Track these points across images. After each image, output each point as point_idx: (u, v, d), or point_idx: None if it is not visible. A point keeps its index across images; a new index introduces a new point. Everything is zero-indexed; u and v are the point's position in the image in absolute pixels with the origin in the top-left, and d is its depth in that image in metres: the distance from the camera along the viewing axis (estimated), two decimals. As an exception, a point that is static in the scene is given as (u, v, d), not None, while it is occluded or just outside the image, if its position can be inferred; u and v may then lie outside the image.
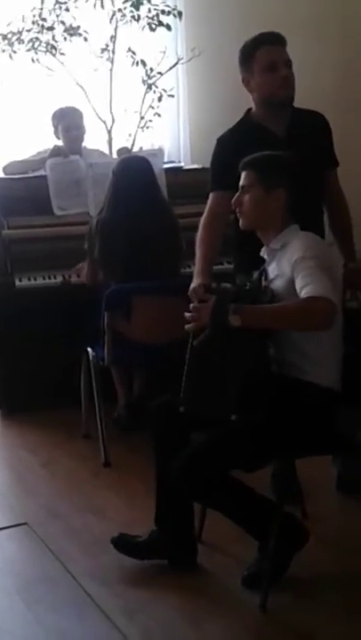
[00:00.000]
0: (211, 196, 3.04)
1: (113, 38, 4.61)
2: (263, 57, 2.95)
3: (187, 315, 2.54)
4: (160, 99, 4.76)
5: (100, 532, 3.02)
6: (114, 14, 4.57)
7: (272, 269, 2.61)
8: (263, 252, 2.66)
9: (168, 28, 4.67)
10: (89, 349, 3.70)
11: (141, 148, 4.75)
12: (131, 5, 4.51)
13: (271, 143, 2.97)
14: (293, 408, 2.47)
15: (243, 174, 2.64)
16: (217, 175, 3.01)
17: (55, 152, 4.31)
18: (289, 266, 2.50)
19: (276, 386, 2.51)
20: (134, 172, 3.68)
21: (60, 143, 4.52)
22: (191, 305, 2.53)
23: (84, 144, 4.52)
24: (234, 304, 2.40)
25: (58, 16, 4.52)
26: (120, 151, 4.45)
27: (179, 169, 4.56)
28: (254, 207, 2.60)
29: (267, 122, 3.00)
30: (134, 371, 3.98)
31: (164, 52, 4.76)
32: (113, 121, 4.70)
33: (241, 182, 2.64)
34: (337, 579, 2.69)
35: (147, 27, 4.62)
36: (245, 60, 2.99)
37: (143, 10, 4.57)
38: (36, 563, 2.89)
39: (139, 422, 3.80)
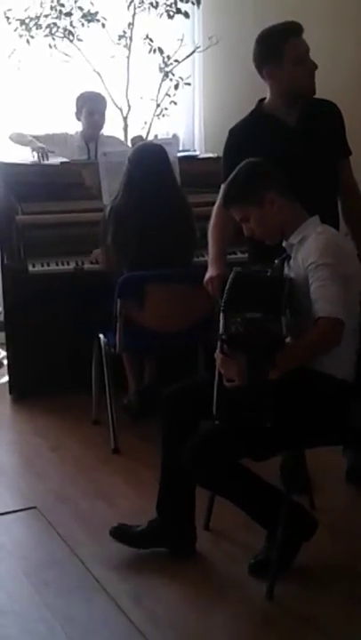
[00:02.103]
0: (223, 187, 3.03)
1: (131, 25, 4.61)
2: (294, 49, 2.91)
3: (220, 368, 2.44)
4: (176, 87, 4.76)
5: (108, 518, 3.03)
6: (132, 1, 4.56)
7: (292, 265, 2.60)
8: (285, 243, 2.65)
9: (186, 15, 4.67)
10: (101, 336, 3.71)
11: (156, 135, 4.75)
12: (149, -8, 4.51)
13: (283, 133, 2.97)
14: (308, 398, 2.47)
15: (231, 212, 2.64)
16: (229, 166, 2.99)
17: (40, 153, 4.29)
18: (303, 266, 2.50)
19: (291, 374, 2.50)
20: (149, 159, 3.67)
21: (79, 126, 4.52)
22: (220, 359, 2.43)
23: (101, 131, 4.53)
24: (266, 357, 2.35)
25: (76, 2, 4.52)
26: (134, 139, 4.45)
27: (193, 157, 4.55)
28: (263, 225, 2.59)
29: (279, 113, 2.98)
30: (145, 358, 3.99)
31: (182, 40, 4.76)
32: (129, 108, 4.70)
33: (237, 219, 2.63)
34: (344, 569, 2.69)
35: (165, 14, 4.62)
36: (273, 51, 2.92)
37: (161, -4, 4.56)
38: (45, 546, 2.91)
39: (149, 410, 3.81)
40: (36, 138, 4.44)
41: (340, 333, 2.43)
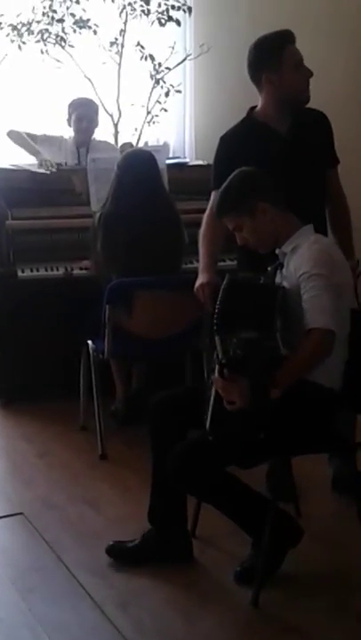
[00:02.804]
0: (213, 194, 3.04)
1: (122, 32, 4.62)
2: (292, 55, 2.95)
3: (222, 392, 2.42)
4: (167, 94, 4.77)
5: (95, 524, 3.04)
6: (124, 8, 4.58)
7: (283, 273, 2.61)
8: (277, 252, 2.66)
9: (178, 23, 4.68)
10: (89, 342, 3.71)
11: (147, 142, 4.76)
12: (141, 0, 4.52)
13: (274, 142, 2.99)
14: (296, 406, 2.48)
15: (224, 221, 2.65)
16: (219, 174, 3.01)
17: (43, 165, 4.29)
18: (296, 275, 2.51)
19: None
20: (138, 166, 3.68)
21: (71, 132, 4.54)
22: (220, 383, 2.40)
23: (93, 136, 4.54)
24: (267, 376, 2.36)
25: (68, 8, 4.53)
26: (123, 146, 4.47)
27: (184, 165, 4.57)
28: (256, 235, 2.60)
29: (271, 121, 3.00)
30: (133, 365, 4.00)
31: (173, 48, 4.77)
32: (120, 115, 4.71)
33: (230, 228, 2.65)
34: (329, 577, 2.70)
35: (156, 21, 4.63)
36: (271, 57, 2.94)
37: (153, 4, 4.58)
38: (31, 553, 2.91)
39: (136, 416, 3.81)
40: (34, 137, 4.46)
41: (332, 344, 2.45)
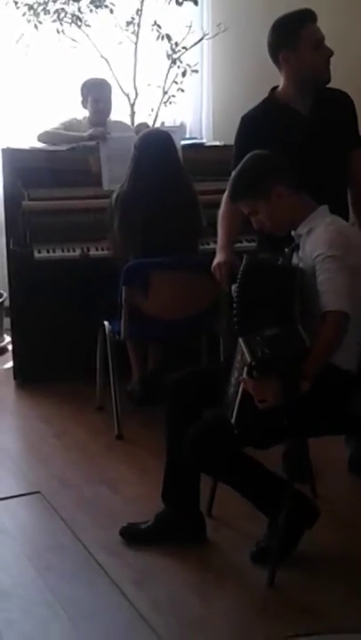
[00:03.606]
0: (233, 174, 3.03)
1: (139, 11, 4.59)
2: (311, 34, 2.91)
3: (253, 392, 2.39)
4: (184, 74, 4.74)
5: (111, 504, 3.06)
6: (140, -13, 4.54)
7: (300, 253, 2.60)
8: (293, 234, 2.65)
9: (195, 2, 4.64)
10: (105, 323, 3.72)
11: (163, 123, 4.74)
12: (158, -22, 4.50)
13: (295, 122, 2.96)
14: (313, 388, 2.47)
15: (240, 205, 2.64)
16: (240, 154, 2.98)
17: (95, 136, 4.24)
18: (311, 257, 2.50)
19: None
20: (157, 146, 3.67)
21: (86, 113, 4.52)
22: (251, 383, 2.37)
23: (108, 117, 4.52)
24: (296, 371, 2.35)
25: (84, -13, 4.50)
26: (139, 126, 4.44)
27: (200, 145, 4.54)
28: (272, 218, 2.58)
29: (292, 101, 2.98)
30: (150, 346, 4.00)
31: (190, 27, 4.73)
32: (136, 95, 4.68)
33: (245, 212, 2.63)
34: (345, 558, 2.71)
35: (173, 1, 4.59)
36: (290, 36, 2.91)
37: (170, -17, 4.54)
38: (48, 531, 2.93)
39: (152, 397, 3.82)
40: (56, 129, 4.41)
41: (345, 326, 2.44)
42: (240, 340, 2.39)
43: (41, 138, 4.39)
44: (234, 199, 2.66)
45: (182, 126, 4.82)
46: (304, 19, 2.94)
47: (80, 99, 4.51)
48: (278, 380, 2.35)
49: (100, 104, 4.45)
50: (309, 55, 2.92)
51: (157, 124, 4.65)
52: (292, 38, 2.92)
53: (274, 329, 2.35)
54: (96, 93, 4.45)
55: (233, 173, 2.73)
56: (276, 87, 3.05)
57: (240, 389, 2.41)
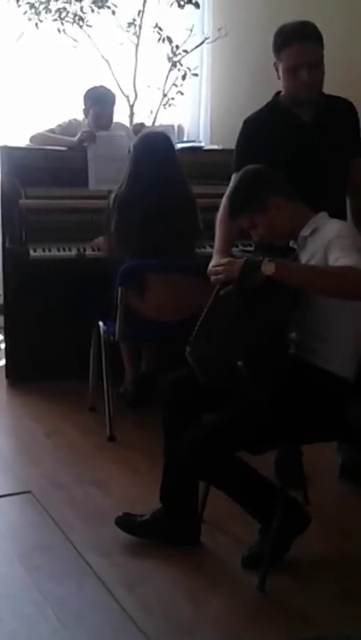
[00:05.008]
0: (233, 176, 3.03)
1: (141, 13, 4.60)
2: (288, 58, 2.89)
3: (216, 268, 2.50)
4: (184, 77, 4.75)
5: (101, 505, 3.04)
6: (143, -11, 4.55)
7: (303, 256, 2.57)
8: (292, 244, 2.64)
9: (196, 5, 4.66)
10: (100, 323, 3.71)
11: (161, 125, 4.73)
12: (161, -19, 4.50)
13: (296, 128, 2.96)
14: (306, 393, 2.47)
15: (238, 222, 2.64)
16: (241, 156, 2.99)
17: (84, 141, 4.21)
18: (322, 246, 2.47)
19: (292, 367, 2.51)
20: (156, 148, 3.66)
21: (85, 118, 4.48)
22: (222, 260, 2.50)
23: None
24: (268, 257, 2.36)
25: (87, -13, 4.50)
26: (136, 127, 4.43)
27: (198, 149, 4.55)
28: (272, 230, 2.58)
29: (294, 107, 2.98)
30: (143, 348, 3.99)
31: (191, 30, 4.74)
32: (136, 96, 4.68)
33: (245, 228, 2.63)
34: (336, 563, 2.70)
35: (175, 3, 4.60)
36: (275, 50, 2.93)
37: (172, -14, 4.55)
38: (38, 530, 2.92)
39: (145, 399, 3.81)
40: (52, 131, 4.38)
41: (356, 280, 2.30)
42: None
43: (33, 140, 4.34)
44: (232, 217, 2.67)
45: (174, 126, 4.81)
46: (289, 39, 2.89)
47: (83, 107, 4.40)
48: (245, 258, 2.39)
49: (102, 120, 4.32)
50: (285, 77, 2.93)
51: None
52: (276, 54, 2.94)
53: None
54: (98, 109, 4.31)
55: (227, 192, 2.73)
56: (280, 92, 3.05)
57: (206, 308, 2.45)
